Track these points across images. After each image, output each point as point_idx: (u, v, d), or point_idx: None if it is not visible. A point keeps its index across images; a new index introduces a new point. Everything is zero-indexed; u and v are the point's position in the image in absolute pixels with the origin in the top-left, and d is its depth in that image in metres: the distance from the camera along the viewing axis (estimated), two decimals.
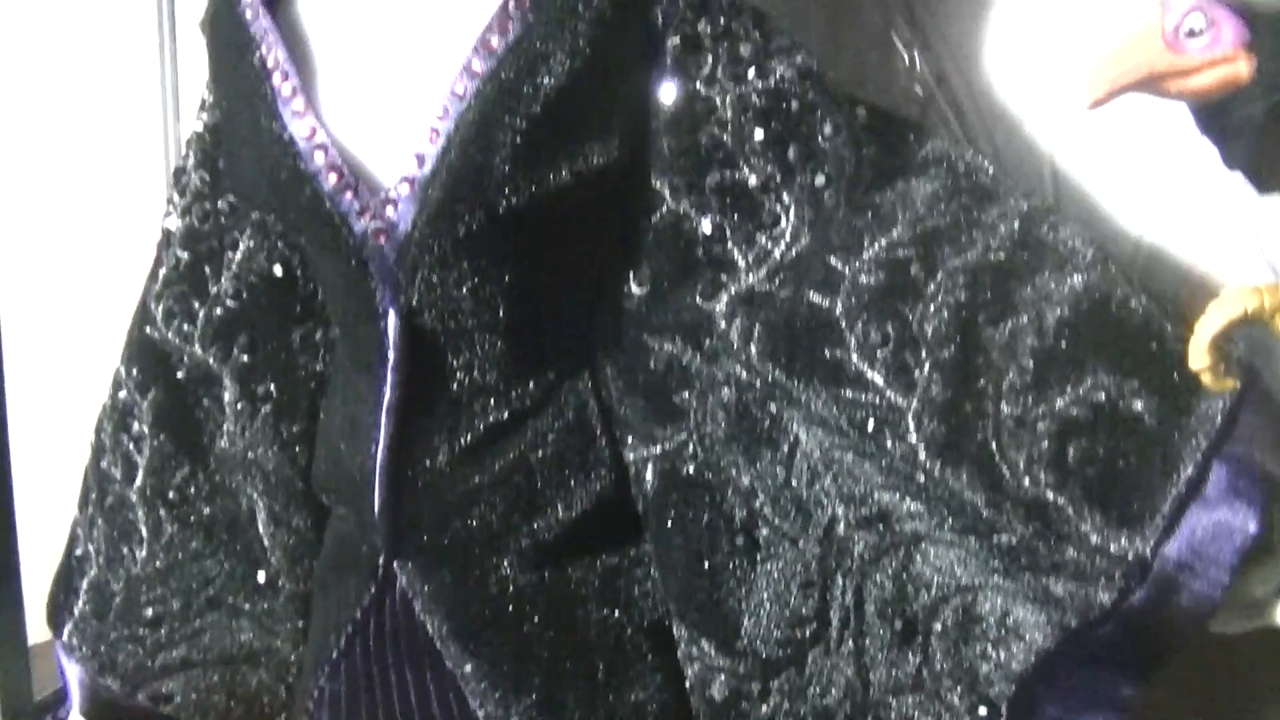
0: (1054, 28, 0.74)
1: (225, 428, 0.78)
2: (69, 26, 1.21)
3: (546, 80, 0.65)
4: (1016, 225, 0.65)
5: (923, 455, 0.65)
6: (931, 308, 0.64)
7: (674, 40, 0.67)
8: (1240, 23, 0.58)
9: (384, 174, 0.68)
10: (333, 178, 0.67)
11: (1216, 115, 0.60)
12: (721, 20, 0.67)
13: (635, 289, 0.69)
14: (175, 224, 0.78)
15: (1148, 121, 0.72)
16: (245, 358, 0.76)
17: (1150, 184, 0.73)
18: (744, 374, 0.67)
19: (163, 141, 1.10)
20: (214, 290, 0.76)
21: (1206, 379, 0.63)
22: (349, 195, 0.67)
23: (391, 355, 0.69)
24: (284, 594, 0.80)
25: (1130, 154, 0.73)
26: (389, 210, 0.67)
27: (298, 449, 0.77)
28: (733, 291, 0.67)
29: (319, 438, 0.76)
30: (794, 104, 0.67)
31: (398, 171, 0.67)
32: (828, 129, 0.66)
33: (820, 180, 0.66)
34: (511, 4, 0.66)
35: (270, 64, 0.69)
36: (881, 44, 0.77)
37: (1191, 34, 0.59)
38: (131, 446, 0.79)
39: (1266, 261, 0.71)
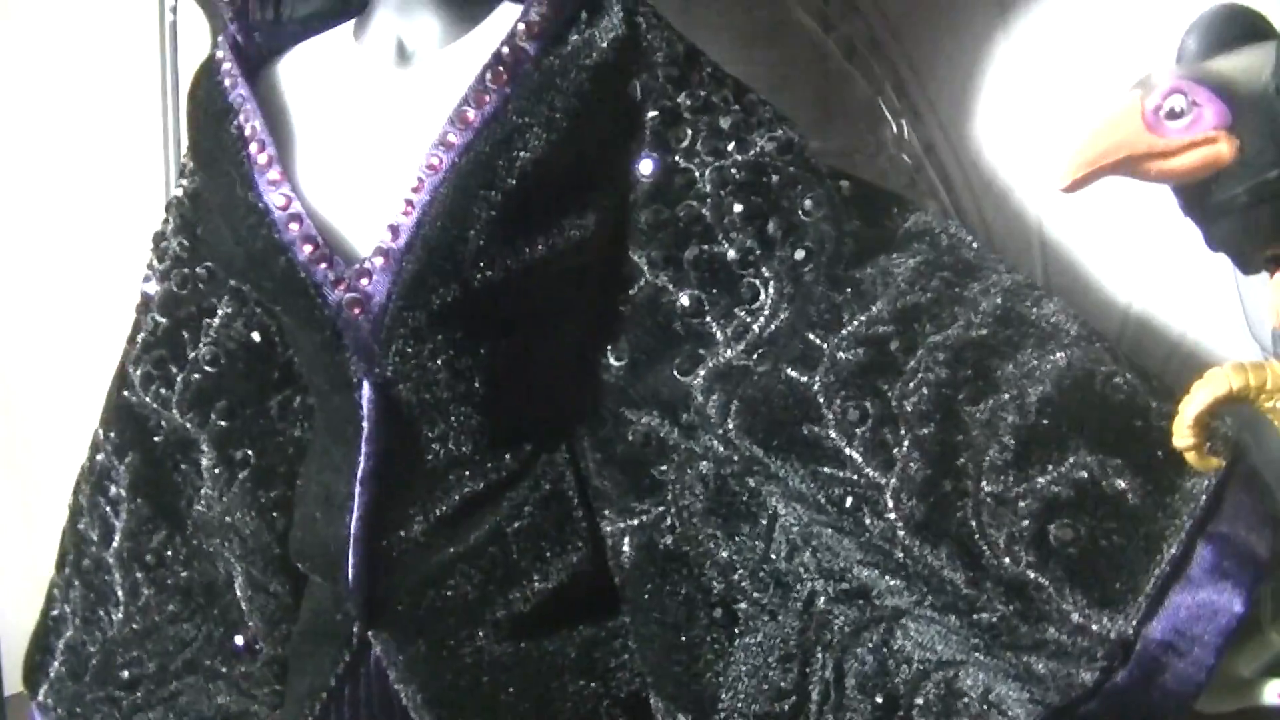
0: (1043, 99, 0.73)
1: (203, 492, 0.76)
2: (71, 39, 1.21)
3: (522, 154, 0.64)
4: (999, 301, 0.64)
5: (901, 532, 0.63)
6: (911, 385, 0.63)
7: (653, 113, 0.66)
8: (1222, 104, 0.57)
9: (359, 245, 0.66)
10: (308, 248, 0.66)
11: (1198, 197, 0.59)
12: (702, 93, 0.66)
13: (614, 362, 0.68)
14: (154, 289, 0.76)
15: (1138, 191, 0.71)
16: (223, 423, 0.75)
17: (1140, 253, 0.72)
18: (722, 448, 0.66)
19: (162, 153, 1.10)
20: (192, 355, 0.75)
21: (1192, 457, 0.61)
22: (324, 266, 0.66)
23: (366, 426, 0.67)
24: (261, 658, 0.79)
25: (1120, 224, 0.72)
26: (364, 282, 0.66)
27: (275, 514, 0.75)
28: (711, 366, 0.66)
29: (295, 505, 0.74)
30: (774, 177, 0.66)
31: (372, 243, 0.66)
32: (808, 203, 0.65)
33: (800, 255, 0.65)
34: (489, 77, 0.65)
35: (247, 133, 0.68)
36: (870, 113, 0.76)
37: (1173, 115, 0.58)
38: (109, 509, 0.78)
39: (1253, 338, 0.70)
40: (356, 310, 0.66)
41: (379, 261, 0.65)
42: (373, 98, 0.68)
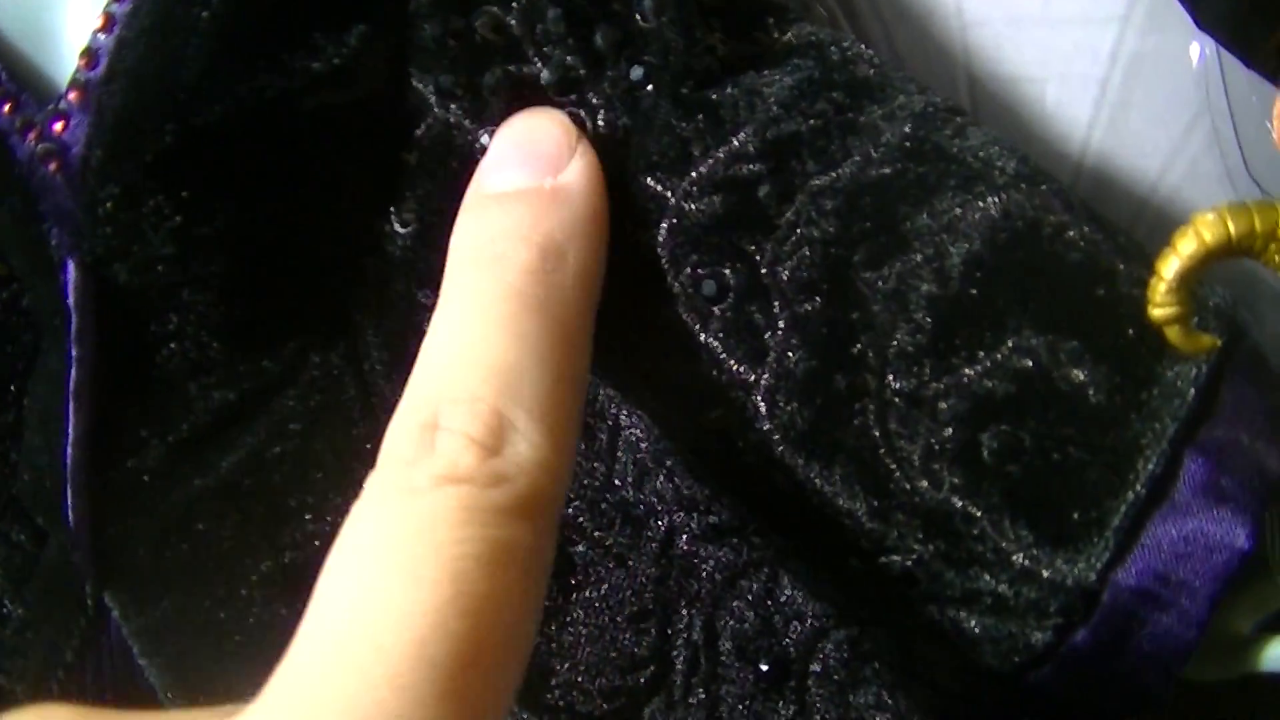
0: None
1: None
2: None
3: None
4: (908, 129, 0.42)
5: (780, 448, 0.42)
6: (788, 244, 0.41)
7: None
8: None
9: (55, 79, 0.45)
10: None
11: None
12: None
13: (399, 228, 0.46)
14: None
15: (1091, 7, 0.49)
16: None
17: (1095, 83, 0.49)
18: None
19: None
20: None
21: (1174, 335, 0.40)
22: (7, 109, 0.44)
23: (75, 320, 0.45)
24: (12, 623, 0.56)
25: (1069, 46, 0.50)
26: (58, 127, 0.44)
27: (6, 444, 0.53)
28: None
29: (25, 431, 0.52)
30: None
31: (68, 74, 0.44)
32: (649, 4, 0.43)
33: (638, 73, 0.43)
34: None
35: None
36: None
37: None
38: None
39: (1250, 173, 0.48)
40: (53, 166, 0.44)
41: (74, 97, 0.43)
42: None
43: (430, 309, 0.45)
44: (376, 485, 0.35)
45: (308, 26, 0.43)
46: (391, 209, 0.45)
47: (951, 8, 0.51)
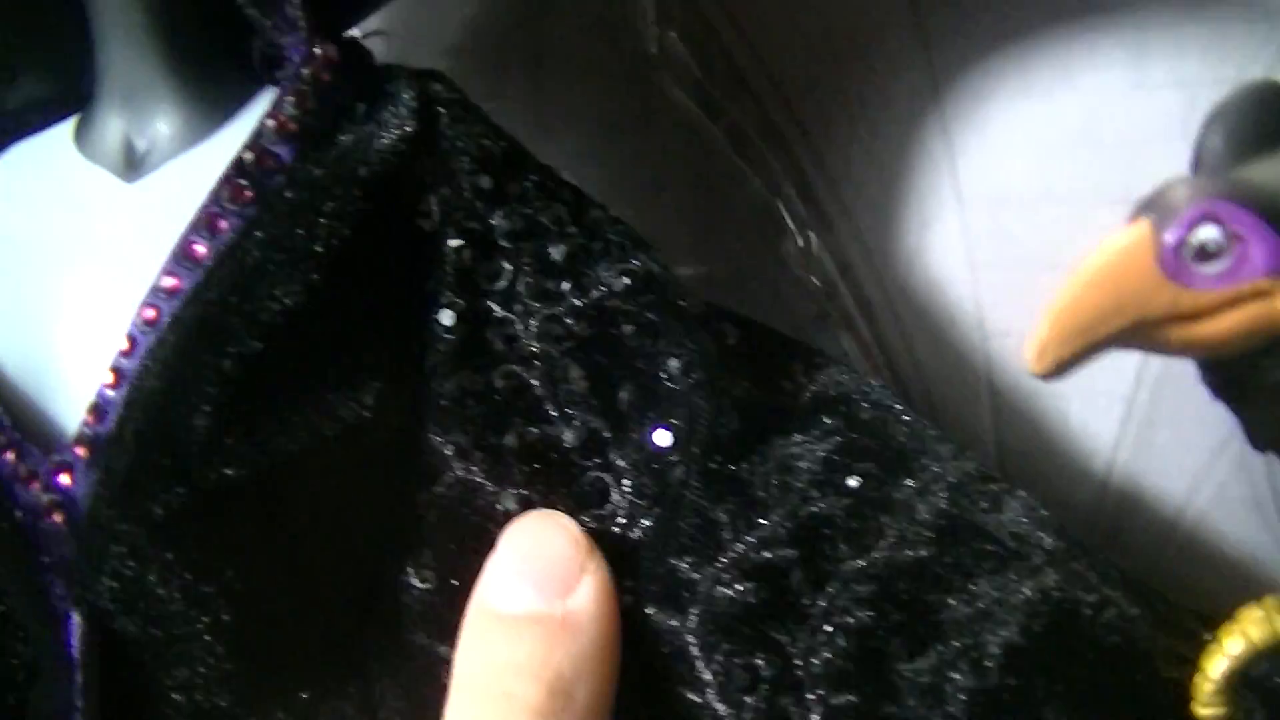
0: (992, 204, 0.46)
1: None
2: None
3: (269, 303, 0.37)
4: (943, 505, 0.38)
5: None
6: (820, 634, 0.37)
7: (456, 242, 0.40)
8: (1276, 237, 0.31)
9: (65, 429, 0.40)
10: None
11: (1240, 376, 0.33)
12: (525, 212, 0.40)
13: (417, 583, 0.41)
14: None
15: None
16: None
17: (1121, 404, 0.46)
18: None
19: None
20: None
21: None
22: (10, 456, 0.40)
23: (80, 675, 0.41)
24: None
25: (1094, 367, 0.46)
26: (63, 478, 0.39)
27: None
28: None
29: None
30: (626, 328, 0.39)
31: (74, 425, 0.39)
32: (674, 364, 0.39)
33: (664, 439, 0.39)
34: (225, 194, 0.38)
35: None
36: (767, 223, 0.49)
37: (1203, 255, 0.32)
38: None
39: (1277, 504, 0.44)
40: (57, 517, 0.40)
41: (81, 452, 0.39)
42: (92, 222, 0.42)
43: (449, 662, 0.41)
44: None
45: (322, 388, 0.38)
46: (409, 563, 0.41)
47: (973, 319, 0.47)
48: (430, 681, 0.42)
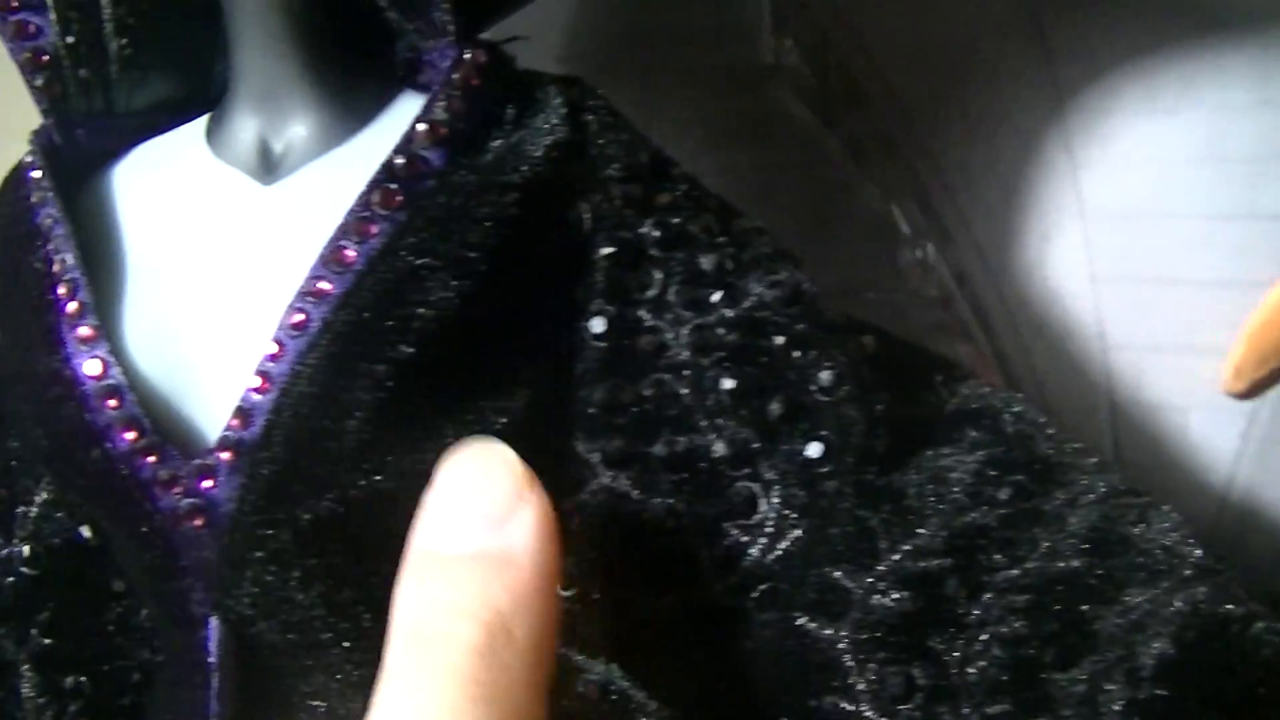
0: (1115, 216, 0.47)
1: None
2: None
3: (422, 309, 0.37)
4: (1094, 519, 0.38)
5: None
6: (977, 643, 0.37)
7: (607, 250, 0.39)
8: None
9: (206, 432, 0.40)
10: (130, 435, 0.39)
11: None
12: (674, 221, 0.40)
13: (560, 590, 0.41)
14: None
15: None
16: (47, 641, 0.47)
17: (1242, 417, 0.46)
18: None
19: None
20: (4, 553, 0.48)
21: None
22: (152, 460, 0.39)
23: (215, 679, 0.40)
24: None
25: (1214, 380, 0.46)
26: (206, 484, 0.39)
27: None
28: (693, 606, 0.39)
29: None
30: (777, 339, 0.39)
31: (218, 430, 0.39)
32: (825, 376, 0.39)
33: (814, 450, 0.38)
34: (376, 198, 0.38)
35: (55, 269, 0.41)
36: (884, 234, 0.49)
37: None
38: None
39: None
40: (198, 521, 0.39)
41: (226, 457, 0.39)
42: (229, 223, 0.41)
43: (582, 671, 0.41)
44: None
45: (472, 394, 0.38)
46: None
47: (1093, 330, 0.47)
48: (565, 690, 0.42)
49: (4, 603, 0.47)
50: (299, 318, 0.38)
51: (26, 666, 0.47)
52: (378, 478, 0.38)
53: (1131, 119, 0.46)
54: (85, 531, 0.47)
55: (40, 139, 0.44)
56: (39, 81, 0.43)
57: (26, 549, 0.47)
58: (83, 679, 0.47)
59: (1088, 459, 0.39)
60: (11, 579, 0.47)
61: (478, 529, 0.32)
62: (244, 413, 0.38)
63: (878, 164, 0.49)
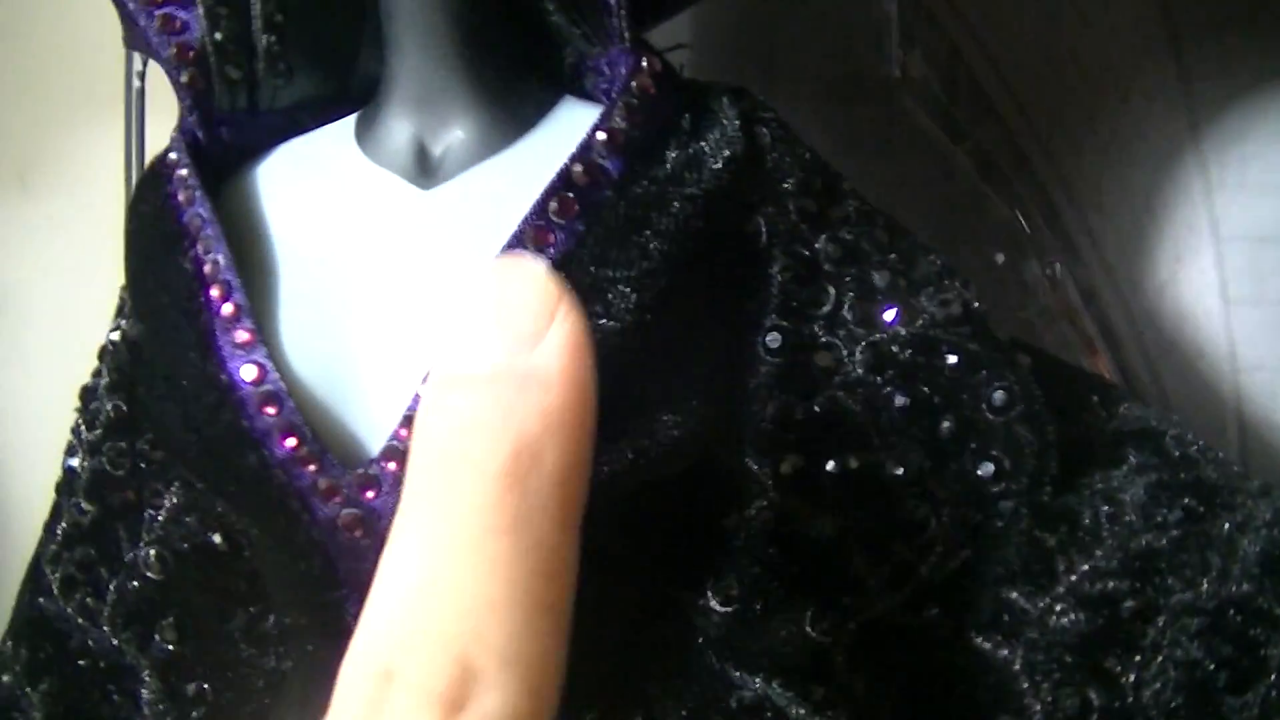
0: (1244, 235, 0.47)
1: None
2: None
3: (602, 320, 0.37)
4: (1264, 543, 0.38)
5: None
6: (1153, 666, 0.37)
7: (782, 263, 0.39)
8: None
9: (365, 441, 0.39)
10: (289, 442, 0.38)
11: None
12: (848, 237, 0.40)
13: (716, 606, 0.41)
14: (80, 464, 0.48)
15: None
16: (170, 647, 0.46)
17: None
18: None
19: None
20: (130, 557, 0.46)
21: None
22: (312, 469, 0.38)
23: None
24: None
25: None
26: (369, 495, 0.38)
27: None
28: (860, 624, 0.39)
29: None
30: (950, 358, 0.39)
31: (384, 437, 0.38)
32: (998, 397, 0.39)
33: (987, 470, 0.38)
34: (554, 207, 0.37)
35: (207, 270, 0.40)
36: (1011, 249, 0.49)
37: None
38: None
39: None
40: (358, 533, 0.38)
41: (392, 467, 0.38)
42: (384, 228, 0.41)
43: (738, 688, 0.41)
44: None
45: (647, 407, 0.38)
46: (709, 585, 0.40)
47: (1224, 350, 0.47)
48: (717, 706, 0.42)
49: (128, 608, 0.46)
50: None
51: (148, 673, 0.46)
52: None
53: (1269, 142, 0.46)
54: (216, 538, 0.46)
55: (184, 135, 0.43)
56: (184, 77, 0.42)
57: (153, 553, 0.46)
58: (205, 686, 0.46)
59: (1250, 483, 0.40)
60: (136, 583, 0.46)
61: (507, 346, 0.29)
62: (413, 422, 0.38)
63: (1006, 179, 0.49)
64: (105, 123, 0.91)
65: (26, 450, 0.87)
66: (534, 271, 0.29)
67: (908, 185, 0.51)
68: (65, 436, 0.51)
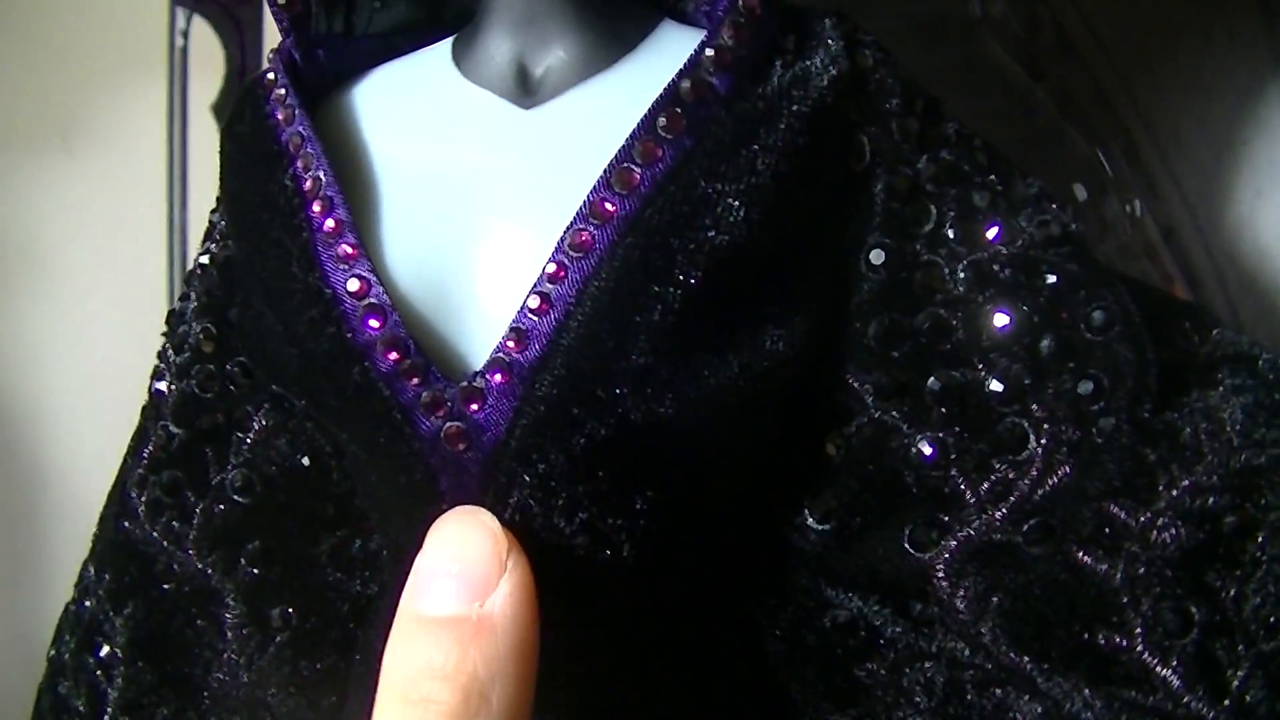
0: None
1: (225, 657, 0.48)
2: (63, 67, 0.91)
3: (712, 234, 0.37)
4: None
5: None
6: (1254, 581, 0.38)
7: (885, 182, 0.40)
8: None
9: (468, 354, 0.39)
10: (393, 355, 0.39)
11: None
12: (948, 157, 0.40)
13: (813, 523, 0.41)
14: (168, 387, 0.48)
15: None
16: (256, 570, 0.46)
17: None
18: (968, 651, 0.40)
19: (165, 237, 0.80)
20: (217, 480, 0.47)
21: None
22: (415, 382, 0.39)
23: None
24: None
25: None
26: (473, 407, 0.38)
27: (320, 693, 0.47)
28: (961, 539, 0.39)
29: (351, 687, 0.47)
30: (1050, 278, 0.40)
31: (487, 351, 0.39)
32: (1097, 316, 0.39)
33: (1086, 388, 0.39)
34: (662, 122, 0.38)
35: (308, 187, 0.40)
36: (1091, 185, 0.50)
37: None
38: (99, 673, 0.49)
39: None
40: (461, 446, 0.39)
41: (498, 379, 0.38)
42: (485, 145, 0.41)
43: (834, 606, 0.42)
44: None
45: (755, 322, 0.38)
46: (806, 502, 0.41)
47: None
48: (811, 626, 0.42)
49: (214, 531, 0.46)
50: (585, 237, 0.38)
51: (233, 597, 0.47)
52: (657, 404, 0.38)
53: None
54: (305, 460, 0.46)
55: (282, 57, 0.43)
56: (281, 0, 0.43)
57: (240, 476, 0.46)
58: (290, 610, 0.47)
59: None
60: (223, 506, 0.46)
61: (459, 595, 0.34)
62: (520, 334, 0.38)
63: (1086, 117, 0.50)
64: (147, 82, 0.92)
65: (69, 401, 0.88)
66: (488, 525, 0.36)
67: (988, 122, 0.51)
68: (107, 387, 0.52)
